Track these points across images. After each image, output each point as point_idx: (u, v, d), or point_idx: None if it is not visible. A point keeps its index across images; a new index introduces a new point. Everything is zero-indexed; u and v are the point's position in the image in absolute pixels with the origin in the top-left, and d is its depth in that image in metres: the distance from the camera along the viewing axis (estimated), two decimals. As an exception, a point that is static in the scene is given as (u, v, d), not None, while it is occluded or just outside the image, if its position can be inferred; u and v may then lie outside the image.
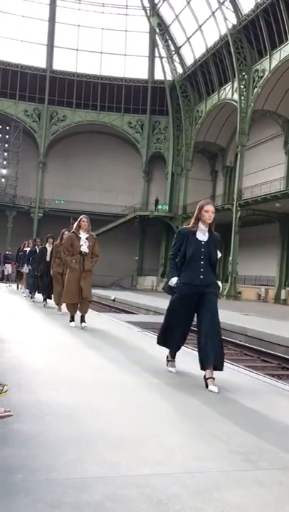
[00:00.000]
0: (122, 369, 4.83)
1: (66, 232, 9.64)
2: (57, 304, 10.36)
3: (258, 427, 3.24)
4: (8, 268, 21.59)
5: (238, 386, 4.50)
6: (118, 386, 4.13)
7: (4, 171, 43.05)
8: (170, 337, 4.82)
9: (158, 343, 4.98)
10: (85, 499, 2.02)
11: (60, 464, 2.36)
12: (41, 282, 11.75)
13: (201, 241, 4.55)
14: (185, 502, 2.06)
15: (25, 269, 14.60)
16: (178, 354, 5.08)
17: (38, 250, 12.73)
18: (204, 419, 3.32)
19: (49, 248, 11.35)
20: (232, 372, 5.19)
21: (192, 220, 4.64)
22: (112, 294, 23.60)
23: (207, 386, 4.23)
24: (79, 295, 7.82)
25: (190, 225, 4.65)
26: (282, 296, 30.96)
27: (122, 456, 2.52)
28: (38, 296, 12.66)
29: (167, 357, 4.97)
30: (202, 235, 4.58)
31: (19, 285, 17.17)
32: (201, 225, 4.58)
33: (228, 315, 14.34)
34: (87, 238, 7.85)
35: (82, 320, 7.87)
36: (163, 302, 18.73)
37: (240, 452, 2.71)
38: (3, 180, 42.83)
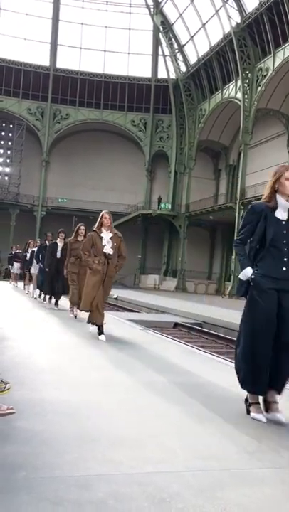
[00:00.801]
0: (124, 368, 4.84)
1: (82, 228, 8.87)
2: (72, 307, 9.14)
3: (260, 425, 3.24)
4: (16, 267, 19.93)
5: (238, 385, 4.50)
6: (120, 385, 4.14)
7: (7, 169, 43.10)
8: (260, 374, 3.32)
9: (243, 387, 3.43)
10: (88, 497, 2.03)
11: (63, 462, 2.36)
12: (54, 283, 10.67)
13: (282, 221, 3.38)
14: (187, 500, 2.07)
15: (35, 269, 13.28)
16: (179, 352, 5.09)
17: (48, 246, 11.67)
18: (207, 419, 3.32)
19: (60, 244, 10.41)
20: (232, 370, 5.19)
21: (265, 193, 3.52)
22: (115, 292, 23.61)
23: (267, 410, 3.35)
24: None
25: (265, 199, 3.50)
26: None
27: (124, 454, 2.52)
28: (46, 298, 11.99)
29: (247, 400, 3.45)
30: (283, 213, 3.41)
31: (25, 286, 15.86)
32: (280, 199, 3.43)
33: (230, 313, 14.33)
34: (111, 238, 6.75)
35: (100, 331, 6.77)
36: (165, 301, 18.74)
37: (243, 451, 2.71)
38: (6, 178, 42.89)
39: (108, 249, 6.65)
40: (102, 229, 6.72)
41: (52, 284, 10.77)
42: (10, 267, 21.68)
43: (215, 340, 11.37)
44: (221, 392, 4.07)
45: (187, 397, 3.86)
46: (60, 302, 10.82)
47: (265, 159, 33.81)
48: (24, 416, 2.96)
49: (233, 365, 5.76)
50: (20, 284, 19.16)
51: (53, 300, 11.10)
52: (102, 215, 6.76)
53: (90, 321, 6.85)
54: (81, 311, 7.48)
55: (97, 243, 6.78)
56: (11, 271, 21.44)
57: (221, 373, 4.91)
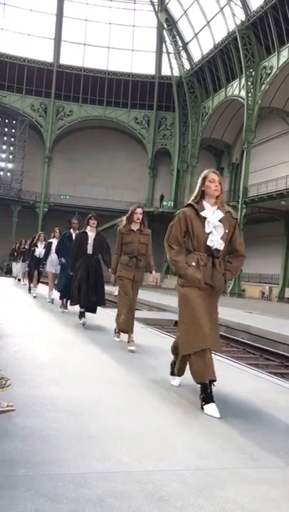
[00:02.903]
0: (124, 365, 4.84)
1: (139, 211, 6.03)
2: (121, 332, 6.31)
3: (260, 425, 3.24)
4: (24, 265, 17.06)
5: (240, 384, 4.50)
6: (121, 383, 4.14)
7: (10, 165, 43.12)
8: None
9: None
10: (86, 494, 2.03)
11: (62, 459, 2.37)
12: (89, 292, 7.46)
13: None
14: (186, 499, 2.07)
15: (51, 266, 10.82)
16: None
17: (74, 235, 8.84)
18: (207, 418, 3.32)
19: (91, 234, 7.54)
20: (234, 370, 5.20)
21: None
22: (116, 289, 23.59)
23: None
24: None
25: None
26: (286, 294, 30.90)
27: (124, 452, 2.53)
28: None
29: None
30: None
31: (31, 286, 13.37)
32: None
33: (231, 312, 14.34)
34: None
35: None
36: (166, 299, 18.73)
37: (242, 450, 2.72)
38: (8, 174, 42.90)
39: (216, 240, 3.69)
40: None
41: (87, 293, 7.42)
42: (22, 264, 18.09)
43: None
44: (221, 390, 4.07)
45: (187, 395, 3.86)
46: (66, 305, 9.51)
47: (269, 158, 33.79)
48: (24, 413, 2.96)
49: (234, 363, 5.79)
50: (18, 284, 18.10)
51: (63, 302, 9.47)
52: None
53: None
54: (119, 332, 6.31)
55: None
56: (19, 269, 18.90)
57: (220, 372, 4.90)
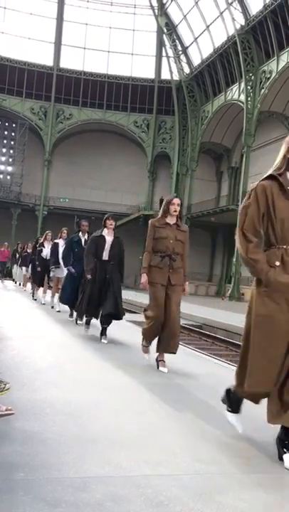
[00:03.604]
0: (124, 369, 4.84)
1: (177, 202, 5.12)
2: (149, 343, 5.36)
3: (259, 429, 3.24)
4: (25, 268, 16.40)
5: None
6: (120, 386, 4.14)
7: (10, 169, 43.15)
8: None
9: None
10: (85, 499, 2.03)
11: (61, 463, 2.36)
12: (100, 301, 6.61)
13: None
14: (185, 504, 2.06)
15: (61, 272, 9.76)
16: (179, 354, 5.11)
17: (83, 240, 8.17)
18: (207, 421, 3.32)
19: (109, 238, 6.65)
20: (233, 374, 5.18)
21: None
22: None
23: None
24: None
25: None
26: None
27: (123, 456, 2.52)
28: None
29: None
30: None
31: (35, 291, 12.76)
32: None
33: (230, 316, 14.33)
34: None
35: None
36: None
37: (242, 455, 2.71)
38: (8, 177, 42.93)
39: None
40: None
41: (98, 302, 6.60)
42: (23, 269, 16.99)
43: (215, 343, 11.38)
44: (221, 394, 4.06)
45: (186, 399, 3.86)
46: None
47: (268, 162, 33.49)
48: (23, 416, 2.96)
49: (231, 367, 5.77)
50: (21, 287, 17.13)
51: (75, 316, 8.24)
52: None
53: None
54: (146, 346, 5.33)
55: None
56: (20, 274, 17.80)
57: (220, 376, 4.90)
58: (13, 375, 3.86)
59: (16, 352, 5.18)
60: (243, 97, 32.82)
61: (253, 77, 32.08)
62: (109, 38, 42.50)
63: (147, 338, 5.17)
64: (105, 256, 6.59)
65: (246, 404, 3.87)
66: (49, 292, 11.90)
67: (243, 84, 32.67)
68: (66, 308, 9.00)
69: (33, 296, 12.79)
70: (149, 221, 5.16)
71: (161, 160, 43.14)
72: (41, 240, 12.01)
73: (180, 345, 7.71)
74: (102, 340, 6.49)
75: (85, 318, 7.15)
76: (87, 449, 2.57)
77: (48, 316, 9.38)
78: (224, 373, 4.94)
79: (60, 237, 10.23)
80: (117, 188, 42.57)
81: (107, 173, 42.75)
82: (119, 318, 6.64)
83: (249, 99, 32.19)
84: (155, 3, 41.01)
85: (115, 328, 6.88)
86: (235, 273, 32.21)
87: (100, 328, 6.62)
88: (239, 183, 34.05)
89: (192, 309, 16.47)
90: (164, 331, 4.92)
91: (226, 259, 39.37)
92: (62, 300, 8.81)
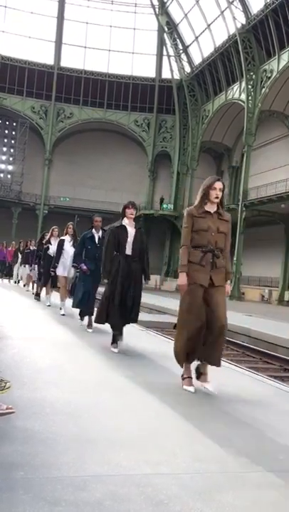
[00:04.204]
0: (124, 368, 4.84)
1: (219, 184, 4.23)
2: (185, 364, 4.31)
3: (259, 428, 3.24)
4: (35, 267, 13.88)
5: (239, 388, 4.50)
6: (120, 385, 4.14)
7: (10, 168, 43.17)
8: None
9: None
10: (85, 498, 2.03)
11: (61, 462, 2.36)
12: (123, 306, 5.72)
13: None
14: (185, 503, 2.06)
15: (64, 270, 9.14)
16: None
17: (97, 237, 7.36)
18: (206, 421, 3.32)
19: (131, 230, 5.76)
20: (234, 374, 5.19)
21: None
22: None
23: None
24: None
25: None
26: (286, 297, 30.89)
27: (123, 455, 2.52)
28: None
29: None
30: None
31: (39, 291, 12.03)
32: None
33: (231, 315, 14.33)
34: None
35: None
36: (166, 301, 18.72)
37: (241, 454, 2.71)
38: (9, 176, 42.94)
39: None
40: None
41: (124, 309, 5.67)
42: (26, 267, 15.93)
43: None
44: (221, 393, 4.06)
45: (187, 398, 3.86)
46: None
47: (268, 161, 33.82)
48: (23, 415, 2.96)
49: (234, 366, 5.78)
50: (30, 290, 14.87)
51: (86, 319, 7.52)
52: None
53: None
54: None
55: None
56: (23, 272, 16.59)
57: (220, 375, 4.90)
58: (13, 374, 3.86)
59: (16, 351, 5.18)
60: (243, 96, 32.79)
61: (253, 76, 32.05)
62: (110, 37, 42.48)
63: (183, 358, 4.08)
64: (128, 250, 5.63)
65: (247, 405, 3.87)
66: (55, 294, 11.05)
67: (243, 84, 32.64)
68: (72, 311, 8.55)
69: (37, 296, 12.18)
70: (185, 210, 4.33)
71: (161, 159, 43.12)
72: (47, 237, 11.09)
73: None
74: (116, 349, 5.65)
75: (112, 335, 5.85)
76: (87, 449, 2.57)
77: (48, 316, 9.37)
78: (225, 373, 4.94)
79: (65, 233, 9.39)
80: (117, 188, 42.54)
81: (108, 172, 42.73)
82: (135, 321, 6.07)
83: (250, 98, 32.16)
84: (156, 2, 40.97)
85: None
86: (236, 272, 32.20)
87: (117, 335, 5.75)
88: (240, 183, 34.01)
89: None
90: (205, 342, 4.02)
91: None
92: (74, 305, 7.71)
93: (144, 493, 2.11)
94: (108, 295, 5.64)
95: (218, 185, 4.13)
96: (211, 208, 4.15)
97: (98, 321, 5.94)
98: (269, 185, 30.86)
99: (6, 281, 21.23)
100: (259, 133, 32.55)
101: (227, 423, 3.29)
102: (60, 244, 9.34)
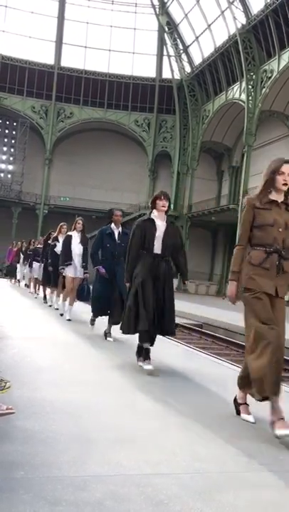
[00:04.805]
0: (124, 368, 4.84)
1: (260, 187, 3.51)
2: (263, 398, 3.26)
3: (259, 428, 3.24)
4: (36, 269, 13.30)
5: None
6: (120, 385, 4.14)
7: (10, 167, 43.16)
8: None
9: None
10: (85, 497, 2.03)
11: (61, 462, 2.37)
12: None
13: None
14: (185, 502, 2.07)
15: (73, 269, 8.24)
16: (179, 353, 5.08)
17: (116, 233, 6.65)
18: (206, 421, 3.32)
19: (160, 224, 4.92)
20: (234, 373, 5.19)
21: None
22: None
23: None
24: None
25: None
26: (286, 297, 30.88)
27: (123, 455, 2.53)
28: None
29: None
30: None
31: (46, 294, 11.38)
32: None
33: (235, 317, 14.34)
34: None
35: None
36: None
37: (241, 454, 2.71)
38: (9, 176, 42.94)
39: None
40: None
41: (153, 317, 4.79)
42: (28, 268, 15.03)
43: (215, 342, 11.38)
44: (222, 394, 4.06)
45: (187, 398, 3.86)
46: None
47: (269, 161, 33.63)
48: (23, 415, 2.96)
49: (233, 366, 5.77)
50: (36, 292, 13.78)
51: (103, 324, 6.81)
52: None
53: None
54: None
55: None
56: (28, 274, 15.41)
57: (221, 375, 4.91)
58: (13, 373, 3.87)
59: (16, 351, 5.19)
60: (244, 97, 32.80)
61: (254, 76, 32.06)
62: (110, 37, 42.47)
63: (268, 388, 3.05)
64: (157, 248, 4.77)
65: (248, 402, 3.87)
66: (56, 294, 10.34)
67: (244, 84, 32.65)
68: (79, 316, 8.16)
69: (44, 299, 11.48)
70: (246, 198, 3.56)
71: (161, 159, 43.12)
72: (55, 234, 10.31)
73: (180, 345, 7.72)
74: (148, 366, 4.70)
75: (137, 346, 5.05)
76: (87, 449, 2.58)
77: (48, 316, 9.38)
78: (225, 372, 4.94)
79: (73, 229, 8.47)
80: (117, 187, 42.55)
81: (108, 172, 42.73)
82: (172, 334, 5.25)
83: (250, 98, 32.17)
84: (156, 2, 40.97)
85: (116, 327, 6.85)
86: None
87: (146, 348, 4.90)
88: (240, 183, 34.03)
89: (193, 308, 16.48)
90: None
91: (227, 259, 39.33)
92: (95, 313, 6.96)
93: (144, 493, 2.11)
94: (134, 301, 4.76)
95: (286, 168, 3.28)
96: (279, 197, 3.33)
97: (126, 330, 4.97)
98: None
99: (6, 281, 21.21)
100: (259, 133, 32.56)
101: (228, 423, 3.29)
102: (67, 241, 8.35)
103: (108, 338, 6.51)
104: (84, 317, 8.33)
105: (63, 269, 8.32)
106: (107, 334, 6.56)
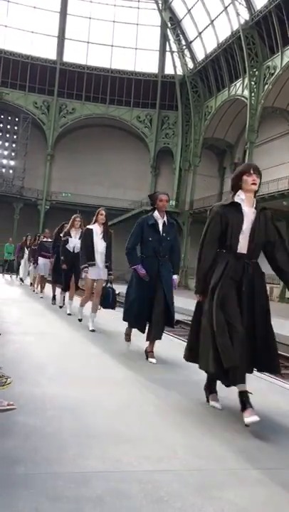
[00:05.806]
0: (125, 365, 4.84)
1: None
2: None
3: (260, 426, 3.24)
4: (42, 266, 12.33)
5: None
6: (121, 382, 4.14)
7: (12, 163, 43.11)
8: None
9: None
10: (86, 494, 2.03)
11: (62, 458, 2.37)
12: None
13: None
14: (186, 499, 2.07)
15: (97, 270, 6.96)
16: (181, 349, 5.05)
17: (160, 223, 5.18)
18: (207, 418, 3.32)
19: (250, 212, 3.42)
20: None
21: None
22: (117, 288, 23.52)
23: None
24: None
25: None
26: (287, 294, 30.86)
27: (124, 452, 2.53)
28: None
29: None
30: None
31: (55, 294, 10.41)
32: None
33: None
34: None
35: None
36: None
37: (242, 451, 2.72)
38: (10, 171, 42.90)
39: None
40: None
41: (242, 341, 3.33)
42: (32, 265, 14.05)
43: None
44: (222, 391, 4.06)
45: (188, 395, 3.86)
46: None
47: (271, 158, 33.71)
48: (25, 411, 2.97)
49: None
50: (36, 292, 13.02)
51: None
52: None
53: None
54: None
55: None
56: (33, 271, 14.01)
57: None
58: (14, 369, 3.87)
59: (17, 347, 5.19)
60: (246, 93, 32.71)
61: (256, 72, 31.96)
62: (112, 32, 42.34)
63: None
64: (243, 245, 3.35)
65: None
66: (76, 299, 9.07)
67: (246, 80, 32.55)
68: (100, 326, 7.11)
69: (53, 299, 10.46)
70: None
71: (163, 155, 43.05)
72: (67, 228, 8.90)
73: (181, 340, 7.71)
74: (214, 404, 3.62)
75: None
76: (87, 445, 2.58)
77: (50, 312, 9.38)
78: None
79: (95, 221, 7.02)
80: (119, 183, 42.50)
81: (110, 168, 42.66)
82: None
83: (253, 94, 32.08)
84: (159, -2, 40.83)
85: (117, 323, 6.86)
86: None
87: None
88: (242, 179, 33.95)
89: (190, 305, 16.44)
90: None
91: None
92: (131, 324, 5.53)
93: (144, 490, 2.12)
94: (216, 323, 3.24)
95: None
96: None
97: (204, 367, 3.53)
98: (271, 182, 30.78)
99: (8, 277, 21.06)
100: (261, 130, 32.49)
101: (228, 420, 3.29)
102: (89, 236, 6.95)
103: (150, 359, 5.03)
104: (108, 324, 7.67)
105: (87, 269, 6.93)
106: (148, 354, 5.10)
